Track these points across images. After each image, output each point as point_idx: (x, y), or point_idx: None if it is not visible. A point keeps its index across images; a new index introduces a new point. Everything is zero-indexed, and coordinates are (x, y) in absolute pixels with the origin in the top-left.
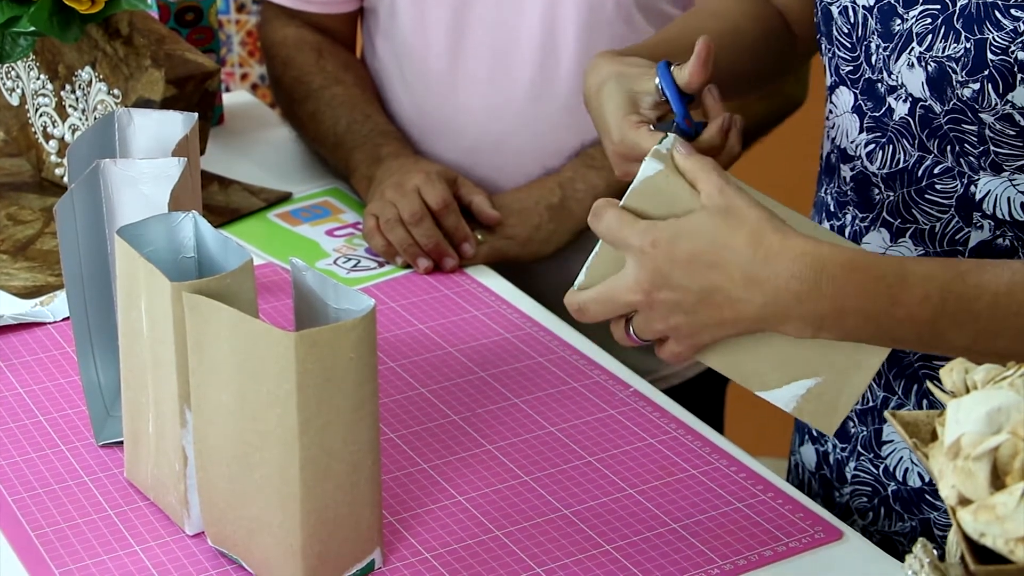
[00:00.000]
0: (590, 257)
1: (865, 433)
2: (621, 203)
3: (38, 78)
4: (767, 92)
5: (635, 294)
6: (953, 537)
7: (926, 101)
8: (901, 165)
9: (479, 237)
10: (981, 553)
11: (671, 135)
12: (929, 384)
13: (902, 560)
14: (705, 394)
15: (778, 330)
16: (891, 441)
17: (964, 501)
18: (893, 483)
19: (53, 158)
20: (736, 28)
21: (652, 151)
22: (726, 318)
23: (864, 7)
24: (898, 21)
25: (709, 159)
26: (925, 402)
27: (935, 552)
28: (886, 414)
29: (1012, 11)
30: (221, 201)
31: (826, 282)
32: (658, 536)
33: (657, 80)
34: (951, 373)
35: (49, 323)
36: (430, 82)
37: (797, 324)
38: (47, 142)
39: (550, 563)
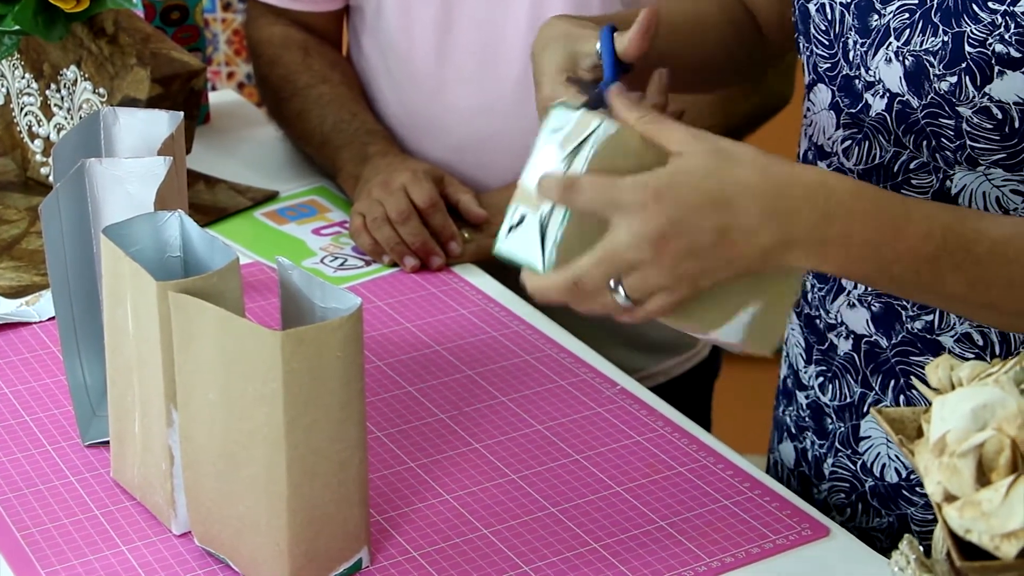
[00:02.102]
0: (554, 235)
1: (843, 429)
2: (582, 171)
3: (23, 77)
4: (754, 89)
5: (639, 251)
6: (939, 533)
7: (903, 96)
8: (877, 161)
9: (466, 236)
10: (967, 549)
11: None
12: (915, 381)
13: (887, 556)
14: (692, 392)
15: (781, 261)
16: (868, 437)
17: (950, 497)
18: (871, 479)
19: (38, 157)
20: (698, 14)
21: (565, 103)
22: (735, 255)
23: (841, 4)
24: (875, 17)
25: (648, 110)
26: (902, 398)
27: (921, 548)
28: (871, 411)
29: (989, 4)
30: (207, 200)
31: (835, 207)
32: (645, 533)
33: (598, 44)
34: (937, 370)
35: (35, 323)
36: (417, 80)
37: (802, 252)
38: (32, 141)
39: (537, 561)
